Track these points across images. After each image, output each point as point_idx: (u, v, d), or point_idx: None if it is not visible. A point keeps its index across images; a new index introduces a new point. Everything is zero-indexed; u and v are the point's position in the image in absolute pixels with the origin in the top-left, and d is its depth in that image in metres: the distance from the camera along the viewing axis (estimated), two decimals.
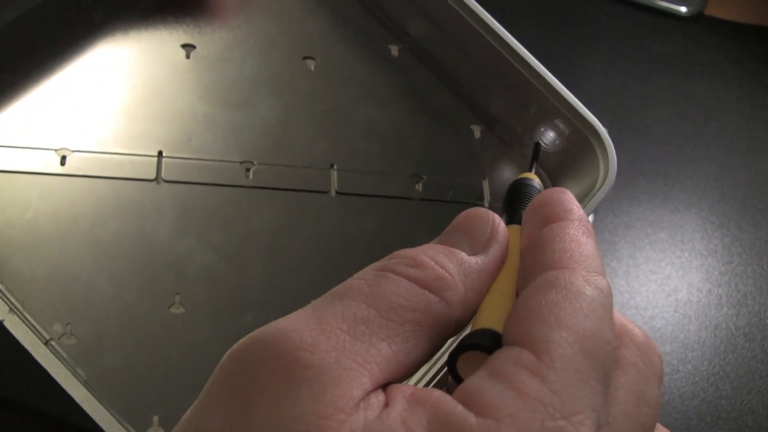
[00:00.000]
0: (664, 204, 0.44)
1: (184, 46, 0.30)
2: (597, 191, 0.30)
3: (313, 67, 0.32)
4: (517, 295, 0.17)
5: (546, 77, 0.31)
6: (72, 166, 0.27)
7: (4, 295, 0.23)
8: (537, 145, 0.29)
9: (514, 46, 0.31)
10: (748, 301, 0.40)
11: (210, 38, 0.31)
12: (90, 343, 0.24)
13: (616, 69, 0.53)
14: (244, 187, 0.28)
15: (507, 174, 0.33)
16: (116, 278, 0.26)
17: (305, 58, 0.32)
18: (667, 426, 0.35)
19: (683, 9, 0.57)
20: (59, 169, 0.27)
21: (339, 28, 0.33)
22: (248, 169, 0.29)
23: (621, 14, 0.57)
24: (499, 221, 0.19)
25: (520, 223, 0.20)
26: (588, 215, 0.28)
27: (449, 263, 0.17)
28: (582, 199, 0.30)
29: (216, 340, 0.26)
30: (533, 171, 0.26)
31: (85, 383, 0.22)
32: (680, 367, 0.37)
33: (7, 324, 0.22)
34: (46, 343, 0.23)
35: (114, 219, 0.27)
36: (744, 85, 0.53)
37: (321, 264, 0.28)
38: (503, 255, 0.18)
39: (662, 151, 0.48)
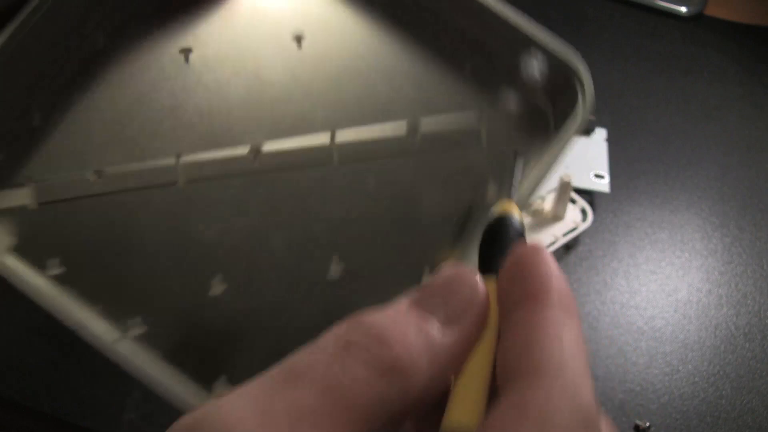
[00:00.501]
0: (664, 204, 0.44)
1: (182, 50, 0.33)
2: (579, 110, 0.32)
3: (298, 47, 0.34)
4: (493, 377, 0.16)
5: (516, 19, 0.33)
6: (105, 181, 0.31)
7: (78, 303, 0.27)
8: (515, 154, 0.30)
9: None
10: (748, 301, 0.40)
11: (205, 39, 0.33)
12: (156, 330, 0.28)
13: (616, 69, 0.53)
14: (254, 173, 0.32)
15: (500, 108, 0.34)
16: (164, 273, 0.30)
17: (294, 39, 0.34)
18: (667, 426, 0.35)
19: (683, 9, 0.57)
20: (97, 191, 0.31)
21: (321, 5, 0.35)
22: (255, 156, 0.32)
23: (621, 14, 0.57)
24: (482, 289, 0.17)
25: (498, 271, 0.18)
26: (573, 137, 0.31)
27: (418, 342, 0.16)
28: (566, 123, 0.32)
29: (256, 308, 0.29)
30: (514, 195, 0.27)
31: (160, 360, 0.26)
32: (680, 367, 0.37)
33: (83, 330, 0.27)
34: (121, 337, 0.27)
35: (149, 226, 0.30)
36: (744, 85, 0.53)
37: (334, 229, 0.31)
38: (481, 328, 0.17)
39: (662, 151, 0.48)
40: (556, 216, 0.41)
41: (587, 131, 0.46)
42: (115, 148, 0.31)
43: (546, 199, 0.41)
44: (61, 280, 0.28)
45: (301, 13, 0.35)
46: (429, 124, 0.33)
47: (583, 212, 0.42)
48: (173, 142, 0.32)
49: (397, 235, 0.31)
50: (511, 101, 0.34)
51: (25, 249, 0.29)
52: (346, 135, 0.33)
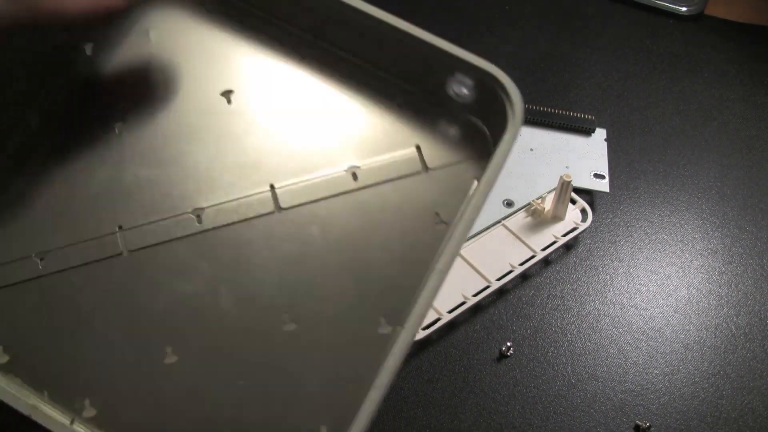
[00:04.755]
0: (664, 204, 0.44)
1: (114, 125, 0.33)
2: (507, 130, 0.31)
3: (230, 103, 0.34)
4: None
5: (423, 37, 0.33)
6: (49, 264, 0.30)
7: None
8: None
9: (389, 21, 0.33)
10: (749, 301, 0.40)
11: (133, 111, 0.34)
12: (107, 411, 0.27)
13: (616, 69, 0.53)
14: (198, 234, 0.32)
15: (437, 135, 0.34)
16: (116, 347, 0.29)
17: (222, 93, 0.34)
18: (667, 426, 0.35)
19: (683, 9, 0.57)
20: (40, 273, 0.30)
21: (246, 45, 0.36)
22: (198, 216, 0.32)
23: (621, 14, 0.57)
24: None
25: None
26: (504, 159, 0.30)
27: None
28: (500, 141, 0.31)
29: (208, 378, 0.29)
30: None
31: None
32: (680, 367, 0.37)
33: (34, 417, 0.26)
34: (72, 422, 0.26)
35: (97, 300, 0.30)
36: (744, 85, 0.53)
37: (281, 281, 0.31)
38: None
39: (662, 151, 0.48)
40: (556, 216, 0.41)
41: (587, 131, 0.46)
42: (56, 227, 0.31)
43: (546, 199, 0.41)
44: (6, 368, 0.28)
45: (228, 70, 0.35)
46: (368, 163, 0.33)
47: (583, 212, 0.42)
48: (113, 214, 0.32)
49: (347, 282, 0.31)
50: (447, 126, 0.34)
51: None
52: (286, 183, 0.33)
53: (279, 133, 0.34)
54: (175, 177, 0.32)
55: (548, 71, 0.52)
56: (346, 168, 0.33)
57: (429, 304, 0.27)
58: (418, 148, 0.33)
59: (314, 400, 0.29)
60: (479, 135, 0.34)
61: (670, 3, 0.57)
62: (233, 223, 0.32)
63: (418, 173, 0.33)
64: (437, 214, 0.32)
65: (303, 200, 0.32)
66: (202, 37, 0.36)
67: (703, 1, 0.57)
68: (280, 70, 0.35)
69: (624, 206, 0.44)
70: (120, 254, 0.31)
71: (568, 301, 0.39)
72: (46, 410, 0.26)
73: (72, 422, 0.26)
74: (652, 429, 0.34)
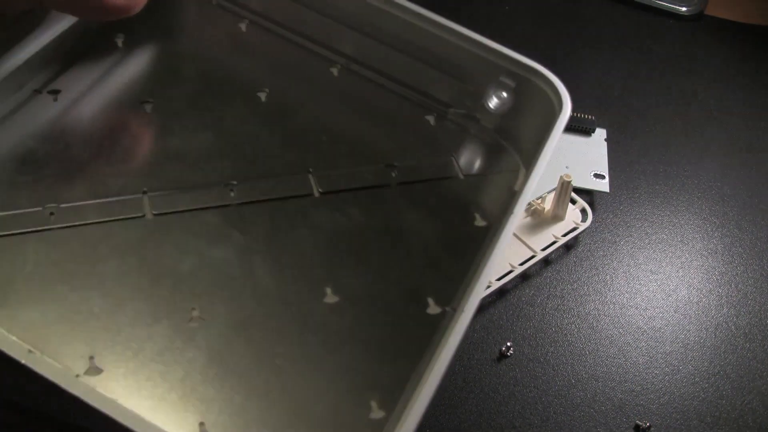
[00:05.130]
0: (664, 204, 0.44)
1: (143, 102, 0.33)
2: (558, 120, 0.31)
3: (264, 98, 0.34)
4: None
5: (473, 36, 0.33)
6: (61, 218, 0.29)
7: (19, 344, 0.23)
8: None
9: (436, 19, 0.33)
10: (749, 301, 0.40)
11: (164, 91, 0.34)
12: (118, 370, 0.25)
13: (616, 69, 0.53)
14: (230, 205, 0.30)
15: (471, 148, 0.35)
16: (130, 306, 0.27)
17: (258, 92, 0.34)
18: (667, 426, 0.35)
19: (683, 9, 0.57)
20: (50, 224, 0.28)
21: (280, 60, 0.36)
22: (231, 190, 0.31)
23: (621, 14, 0.57)
24: None
25: None
26: (552, 148, 0.30)
27: None
28: (547, 133, 0.31)
29: (237, 344, 0.27)
30: None
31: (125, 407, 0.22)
32: (680, 367, 0.37)
33: (30, 363, 0.22)
34: (77, 377, 0.23)
35: (113, 256, 0.28)
36: (744, 85, 0.53)
37: (321, 256, 0.30)
38: None
39: (662, 151, 0.47)
40: (556, 216, 0.41)
41: (587, 131, 0.46)
42: (73, 185, 0.29)
43: (546, 199, 0.41)
44: None
45: (259, 67, 0.35)
46: (406, 163, 0.33)
47: (583, 212, 0.42)
48: (139, 179, 0.30)
49: (392, 262, 0.30)
50: (481, 139, 0.34)
51: None
52: (326, 170, 0.32)
53: (319, 123, 0.34)
54: (209, 155, 0.32)
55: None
56: (384, 164, 0.33)
57: (482, 290, 0.26)
58: (453, 156, 0.34)
59: (360, 374, 0.27)
60: (513, 147, 0.34)
61: (670, 3, 0.57)
62: (269, 200, 0.31)
63: (454, 177, 0.33)
64: (476, 214, 0.32)
65: (342, 186, 0.32)
66: (231, 31, 0.36)
67: (703, 1, 0.57)
68: (314, 75, 0.36)
69: (624, 206, 0.44)
70: (143, 216, 0.29)
71: (568, 301, 0.39)
72: (44, 359, 0.22)
73: (77, 376, 0.24)
74: (652, 429, 0.34)
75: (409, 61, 0.34)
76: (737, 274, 0.41)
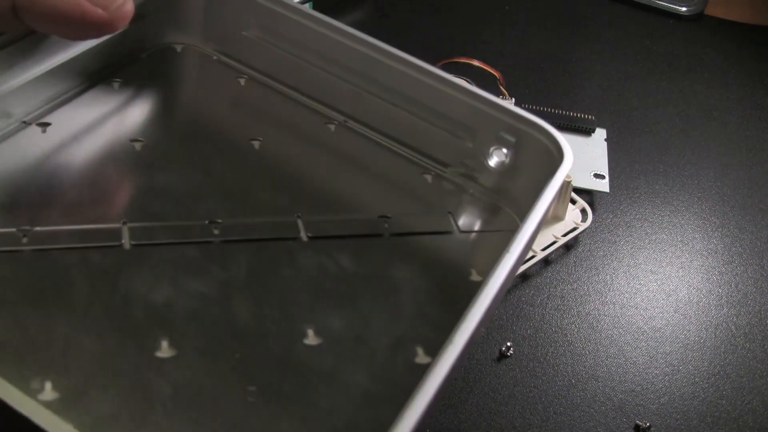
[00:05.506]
0: (664, 204, 0.44)
1: (133, 140, 0.32)
2: (558, 171, 0.30)
3: (257, 146, 0.34)
4: None
5: (471, 89, 0.33)
6: (35, 240, 0.28)
7: None
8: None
9: (434, 72, 0.33)
10: (749, 301, 0.40)
11: (156, 133, 0.33)
12: (73, 396, 0.24)
13: (616, 69, 0.53)
14: (212, 242, 0.29)
15: (469, 206, 0.34)
16: (95, 332, 0.26)
17: (251, 140, 0.34)
18: (667, 426, 0.35)
19: (683, 9, 0.57)
20: (22, 245, 0.27)
21: (277, 114, 0.36)
22: (215, 227, 0.30)
23: (621, 14, 0.57)
24: None
25: None
26: (551, 197, 0.29)
27: None
28: (546, 186, 0.30)
29: (207, 378, 0.25)
30: None
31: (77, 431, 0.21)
32: (680, 367, 0.37)
33: None
34: (30, 399, 0.22)
35: (84, 283, 0.27)
36: (744, 85, 0.53)
37: (305, 297, 0.29)
38: None
39: (662, 151, 0.48)
40: (556, 216, 0.41)
41: (587, 131, 0.46)
42: (49, 209, 0.29)
43: None
44: None
45: (254, 119, 0.35)
46: (400, 216, 0.32)
47: (583, 212, 0.42)
48: (120, 210, 0.29)
49: (380, 310, 0.29)
50: (479, 197, 0.34)
51: None
52: (314, 216, 0.31)
53: (312, 173, 0.33)
54: (194, 193, 0.31)
55: (548, 71, 0.52)
56: (377, 215, 0.32)
57: (463, 341, 0.24)
58: (449, 213, 0.33)
59: (338, 417, 0.26)
60: (511, 208, 0.34)
61: (670, 3, 0.57)
62: (254, 240, 0.30)
63: (449, 232, 0.33)
64: (471, 269, 0.31)
65: (331, 233, 0.31)
66: (230, 85, 0.36)
67: (703, 1, 0.57)
68: (310, 131, 0.35)
69: (624, 206, 0.44)
70: (120, 245, 0.28)
71: (568, 301, 0.39)
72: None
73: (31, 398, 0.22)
74: (652, 429, 0.34)
75: (407, 118, 0.34)
76: (737, 274, 0.41)
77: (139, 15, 0.33)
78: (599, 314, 0.39)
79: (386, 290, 0.30)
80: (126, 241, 0.28)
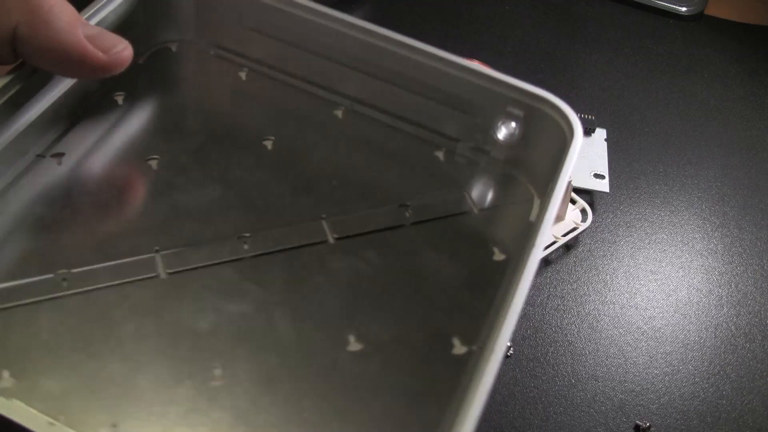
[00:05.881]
0: (664, 204, 0.44)
1: (148, 159, 0.32)
2: (569, 149, 0.30)
3: (270, 146, 0.34)
4: None
5: (475, 68, 0.33)
6: (74, 283, 0.28)
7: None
8: None
9: (438, 53, 0.33)
10: (749, 301, 0.40)
11: (169, 146, 0.33)
12: None
13: (616, 69, 0.53)
14: (244, 258, 0.30)
15: (483, 181, 0.34)
16: (149, 370, 0.26)
17: (263, 140, 0.34)
18: (667, 426, 0.35)
19: (683, 9, 0.57)
20: (63, 290, 0.27)
21: (283, 106, 0.36)
22: (245, 242, 0.30)
23: (621, 14, 0.57)
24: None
25: None
26: (568, 176, 0.29)
27: None
28: (560, 163, 0.30)
29: (262, 401, 0.26)
30: None
31: None
32: (680, 368, 0.37)
33: None
34: None
35: (129, 319, 0.27)
36: (744, 85, 0.53)
37: (341, 303, 0.29)
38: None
39: (662, 151, 0.48)
40: (556, 216, 0.41)
41: (587, 131, 0.46)
42: (83, 249, 0.29)
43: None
44: (10, 393, 0.24)
45: (262, 115, 0.35)
46: (419, 201, 0.33)
47: (583, 212, 0.42)
48: (150, 238, 0.29)
49: (413, 303, 0.30)
50: (493, 171, 0.34)
51: None
52: (338, 214, 0.32)
53: (328, 167, 0.33)
54: (217, 208, 0.31)
55: (548, 71, 0.52)
56: (397, 204, 0.32)
57: (510, 328, 0.25)
58: (466, 192, 0.33)
59: (390, 423, 0.26)
60: (525, 177, 0.34)
61: (670, 3, 0.57)
62: (283, 250, 0.30)
63: (468, 212, 0.33)
64: (494, 248, 0.31)
65: (356, 231, 0.31)
66: (231, 80, 0.36)
67: (703, 1, 0.57)
68: (318, 119, 0.35)
69: (624, 206, 0.44)
70: (156, 276, 0.28)
71: (568, 301, 0.39)
72: (66, 430, 0.22)
73: None
74: (652, 429, 0.34)
75: (413, 98, 0.34)
76: (737, 274, 0.41)
77: (134, 22, 0.33)
78: (599, 314, 0.39)
79: (416, 283, 0.30)
80: (161, 271, 0.29)
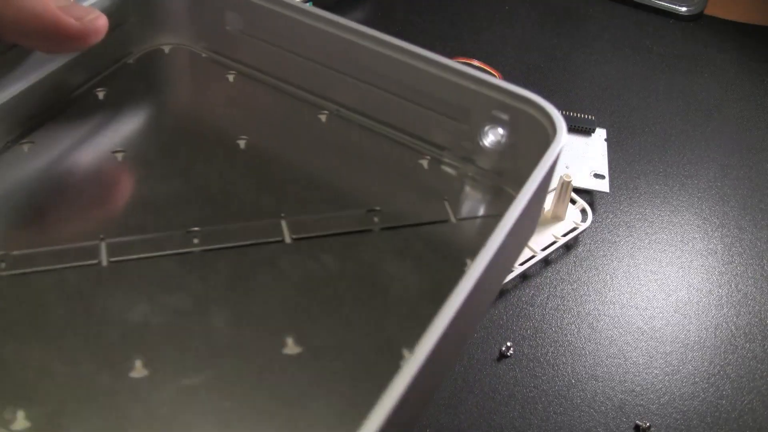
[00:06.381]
0: (664, 204, 0.44)
1: (115, 151, 0.32)
2: (552, 145, 0.28)
3: (243, 145, 0.33)
4: None
5: (460, 69, 0.31)
6: (12, 265, 0.27)
7: None
8: None
9: (426, 55, 0.32)
10: (749, 301, 0.40)
11: (141, 141, 0.32)
12: (46, 424, 0.23)
13: (616, 69, 0.53)
14: (192, 252, 0.29)
15: (466, 190, 0.33)
16: (68, 356, 0.25)
17: (237, 139, 0.33)
18: (667, 426, 0.35)
19: (683, 9, 0.57)
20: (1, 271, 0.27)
21: (266, 109, 0.35)
22: (194, 236, 0.29)
23: (621, 14, 0.57)
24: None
25: None
26: (549, 173, 0.27)
27: None
28: (540, 160, 0.28)
29: (182, 398, 0.25)
30: None
31: None
32: (680, 368, 0.37)
33: None
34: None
35: (60, 306, 0.26)
36: (744, 85, 0.53)
37: (285, 304, 0.28)
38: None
39: (662, 151, 0.48)
40: (556, 216, 0.41)
41: (587, 131, 0.46)
42: (28, 231, 0.28)
43: (546, 199, 0.41)
44: None
45: (244, 116, 0.34)
46: (391, 207, 0.31)
47: (583, 212, 0.42)
48: (99, 226, 0.29)
49: (363, 312, 0.28)
50: (476, 181, 0.33)
51: None
52: (299, 215, 0.30)
53: (300, 169, 0.32)
54: (173, 203, 0.30)
55: (548, 71, 0.52)
56: (366, 209, 0.31)
57: (436, 334, 0.22)
58: (446, 200, 0.32)
59: (317, 428, 0.25)
60: (510, 188, 0.32)
61: (670, 3, 0.57)
62: (235, 246, 0.29)
63: (445, 221, 0.31)
64: (467, 260, 0.30)
65: (316, 233, 0.30)
66: (218, 82, 0.36)
67: (703, 1, 0.57)
68: (300, 122, 0.34)
69: (624, 206, 0.44)
70: (97, 263, 0.28)
71: (568, 301, 0.39)
72: None
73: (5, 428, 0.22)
74: (652, 429, 0.34)
75: (400, 103, 0.33)
76: (737, 274, 0.41)
77: (122, 20, 0.33)
78: (599, 314, 0.39)
79: (373, 290, 0.28)
80: (103, 258, 0.28)
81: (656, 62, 0.53)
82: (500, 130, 0.32)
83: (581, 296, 0.39)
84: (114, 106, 0.34)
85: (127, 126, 0.33)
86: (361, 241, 0.30)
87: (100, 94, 0.34)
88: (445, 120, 0.33)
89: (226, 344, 0.26)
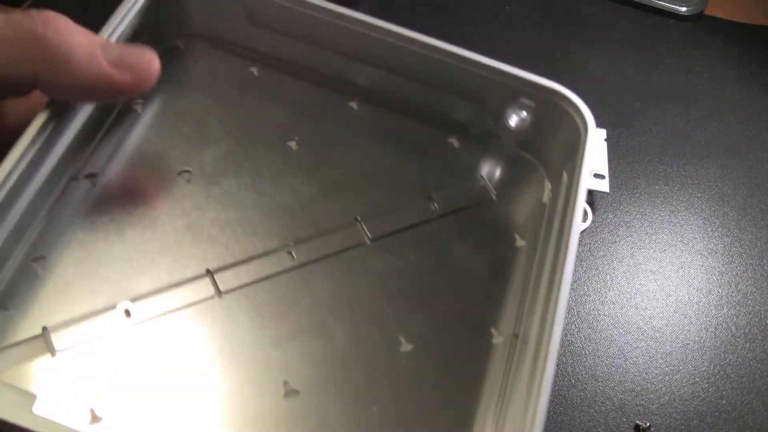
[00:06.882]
0: (664, 204, 0.44)
1: (180, 173, 0.32)
2: (584, 141, 0.32)
3: (295, 147, 0.34)
4: None
5: (488, 63, 0.33)
6: (139, 313, 0.28)
7: None
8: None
9: (452, 49, 0.33)
10: (749, 301, 0.40)
11: (198, 156, 0.33)
12: None
13: (616, 69, 0.53)
14: (293, 269, 0.30)
15: (497, 165, 0.35)
16: (233, 383, 0.27)
17: (287, 141, 0.34)
18: (667, 426, 0.35)
19: (683, 9, 0.57)
20: (127, 323, 0.28)
21: (299, 101, 0.36)
22: (290, 252, 0.30)
23: (621, 14, 0.57)
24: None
25: None
26: (586, 168, 0.31)
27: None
28: (576, 153, 0.32)
29: (333, 411, 0.27)
30: None
31: None
32: (680, 368, 0.37)
33: None
34: None
35: (190, 344, 0.28)
36: (744, 85, 0.53)
37: (388, 304, 0.30)
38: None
39: (662, 151, 0.47)
40: None
41: None
42: (138, 278, 0.28)
43: None
44: (99, 428, 0.25)
45: (281, 112, 0.35)
46: (441, 194, 0.33)
47: (583, 212, 0.42)
48: (199, 258, 0.30)
49: (452, 302, 0.30)
50: (508, 156, 0.34)
51: (49, 401, 0.25)
52: (370, 214, 0.32)
53: (352, 163, 0.34)
54: (255, 213, 0.31)
55: (548, 71, 0.52)
56: (424, 197, 0.33)
57: (562, 319, 0.27)
58: (482, 177, 0.34)
59: (451, 420, 0.27)
60: (537, 160, 0.35)
61: (670, 3, 0.57)
62: (326, 256, 0.31)
63: (488, 199, 0.34)
64: (515, 234, 0.33)
65: (390, 229, 0.32)
66: (244, 77, 0.36)
67: (703, 1, 0.57)
68: (336, 113, 0.35)
69: (624, 206, 0.44)
70: (212, 297, 0.29)
71: (569, 300, 0.39)
72: None
73: None
74: (652, 429, 0.34)
75: (424, 88, 0.35)
76: (737, 274, 0.41)
77: (142, 24, 0.32)
78: (599, 314, 0.39)
79: (449, 277, 0.31)
80: (217, 291, 0.29)
81: (656, 62, 0.53)
82: (524, 113, 0.34)
83: (581, 296, 0.39)
84: (156, 120, 0.33)
85: (178, 139, 0.33)
86: (426, 230, 0.32)
87: (138, 108, 0.33)
88: (469, 103, 0.34)
89: (352, 354, 0.28)
